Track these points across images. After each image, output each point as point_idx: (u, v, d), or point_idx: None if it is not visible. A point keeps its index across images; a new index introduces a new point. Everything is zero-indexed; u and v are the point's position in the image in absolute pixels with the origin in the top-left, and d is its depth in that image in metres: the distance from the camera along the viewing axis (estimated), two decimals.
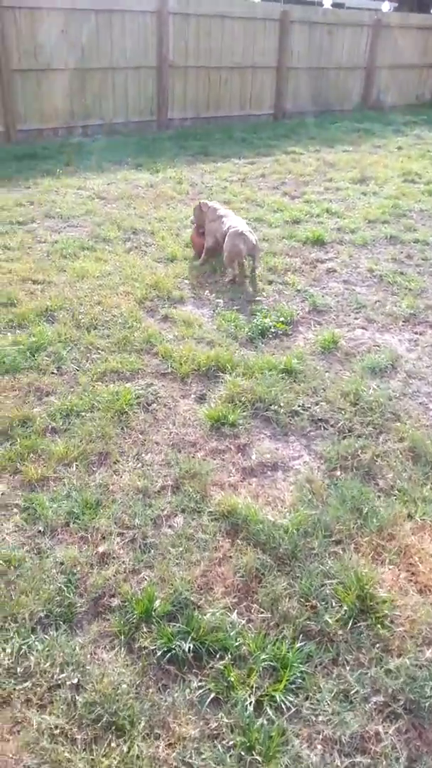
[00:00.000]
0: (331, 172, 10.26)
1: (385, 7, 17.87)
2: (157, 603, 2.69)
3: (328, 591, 2.78)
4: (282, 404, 4.11)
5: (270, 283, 6.05)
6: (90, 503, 3.25)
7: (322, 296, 5.79)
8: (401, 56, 17.00)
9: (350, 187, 9.36)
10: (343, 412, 4.06)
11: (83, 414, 4.01)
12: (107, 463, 3.61)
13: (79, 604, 2.74)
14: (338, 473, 3.55)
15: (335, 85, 16.20)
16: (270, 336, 5.03)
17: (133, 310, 5.35)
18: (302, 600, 2.75)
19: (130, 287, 5.81)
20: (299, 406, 4.12)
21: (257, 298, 5.72)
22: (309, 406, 4.14)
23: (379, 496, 3.37)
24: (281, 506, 3.30)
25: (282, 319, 5.21)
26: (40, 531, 3.12)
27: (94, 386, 4.31)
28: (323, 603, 2.73)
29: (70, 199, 8.59)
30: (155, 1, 12.75)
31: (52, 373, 4.48)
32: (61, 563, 2.91)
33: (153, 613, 2.66)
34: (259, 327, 5.05)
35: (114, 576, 2.86)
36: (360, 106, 16.72)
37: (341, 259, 6.66)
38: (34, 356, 4.63)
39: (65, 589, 2.78)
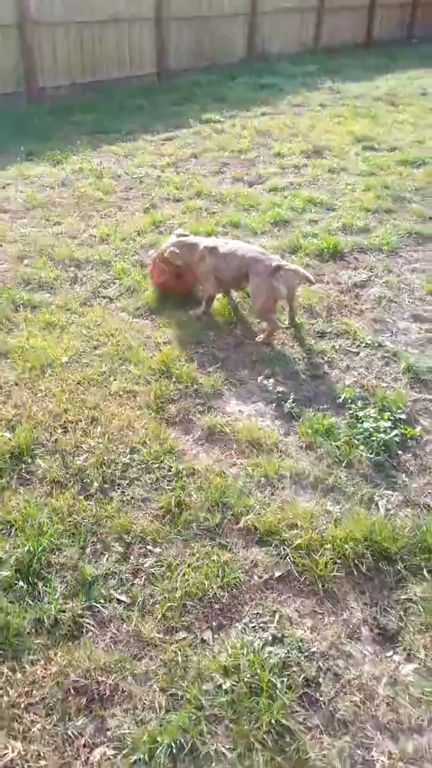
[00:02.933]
0: (273, 144, 8.15)
1: None
2: None
3: None
4: None
5: (321, 336, 3.99)
6: None
7: (406, 349, 3.84)
8: (282, 0, 14.82)
9: (309, 164, 7.34)
10: None
11: None
12: None
13: None
14: None
15: (219, 36, 13.80)
16: (398, 450, 3.03)
17: (156, 429, 3.13)
18: None
19: (126, 378, 3.55)
20: None
21: (324, 369, 3.66)
22: None
23: None
24: None
25: (399, 412, 3.21)
26: None
27: (182, 652, 2.14)
28: None
29: None
30: None
31: (74, 636, 2.23)
32: None
33: None
34: (377, 437, 3.03)
35: None
36: (246, 59, 14.46)
37: (382, 278, 4.71)
38: (32, 586, 2.35)
39: None
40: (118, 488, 2.83)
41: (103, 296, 4.54)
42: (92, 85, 11.61)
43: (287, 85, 11.79)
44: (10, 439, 3.08)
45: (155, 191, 6.52)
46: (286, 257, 4.99)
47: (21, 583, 2.38)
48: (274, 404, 3.38)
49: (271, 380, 3.49)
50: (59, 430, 3.16)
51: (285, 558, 2.50)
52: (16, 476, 2.90)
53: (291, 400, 3.35)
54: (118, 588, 2.40)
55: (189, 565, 2.46)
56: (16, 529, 2.60)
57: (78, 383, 3.51)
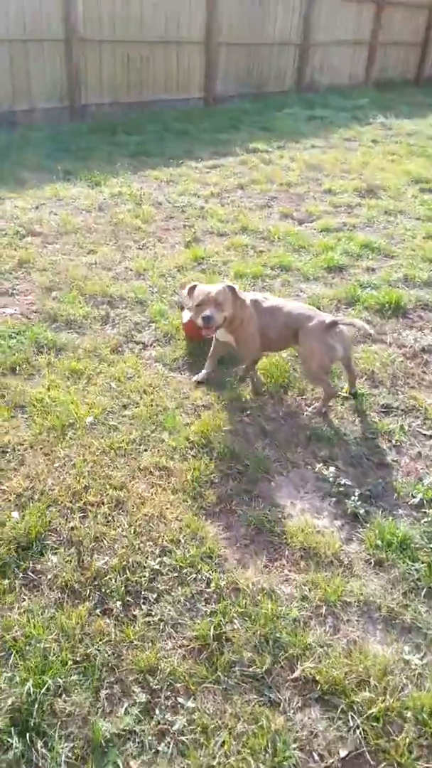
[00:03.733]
0: (323, 180, 7.67)
1: None
2: None
3: None
4: None
5: (386, 411, 3.43)
6: None
7: None
8: (334, 32, 14.49)
9: (364, 204, 6.82)
10: None
11: None
12: None
13: None
14: None
15: (268, 64, 13.49)
16: None
17: (192, 523, 2.60)
18: None
19: (159, 451, 3.02)
20: None
21: (392, 456, 3.09)
22: None
23: None
24: None
25: None
26: None
27: None
28: None
29: None
30: None
31: None
32: None
33: None
34: None
35: None
36: (294, 88, 14.12)
37: None
38: (29, 746, 1.80)
39: None
40: (144, 604, 2.27)
41: (137, 341, 4.04)
42: (136, 105, 11.31)
43: (337, 119, 11.37)
44: (17, 523, 2.55)
45: (198, 223, 6.05)
46: (342, 310, 4.47)
47: (15, 741, 1.82)
48: (333, 499, 2.81)
49: (332, 469, 2.91)
50: (77, 514, 2.63)
51: (354, 731, 1.91)
52: (21, 575, 2.36)
53: (355, 496, 2.78)
54: (138, 756, 1.84)
55: (230, 731, 1.89)
56: (15, 654, 2.06)
57: (103, 452, 2.99)
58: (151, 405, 3.34)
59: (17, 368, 3.64)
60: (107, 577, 2.35)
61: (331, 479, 2.87)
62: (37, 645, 2.08)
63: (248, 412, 3.36)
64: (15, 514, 2.63)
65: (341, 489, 2.83)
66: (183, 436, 3.10)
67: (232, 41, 12.51)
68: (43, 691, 1.95)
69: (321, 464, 2.97)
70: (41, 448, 3.00)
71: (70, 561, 2.42)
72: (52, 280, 4.74)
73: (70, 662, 2.06)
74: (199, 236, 5.76)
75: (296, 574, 2.43)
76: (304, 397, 3.52)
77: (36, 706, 1.91)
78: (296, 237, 5.71)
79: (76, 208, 6.36)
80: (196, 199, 6.76)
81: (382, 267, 5.22)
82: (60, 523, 2.59)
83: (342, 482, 2.85)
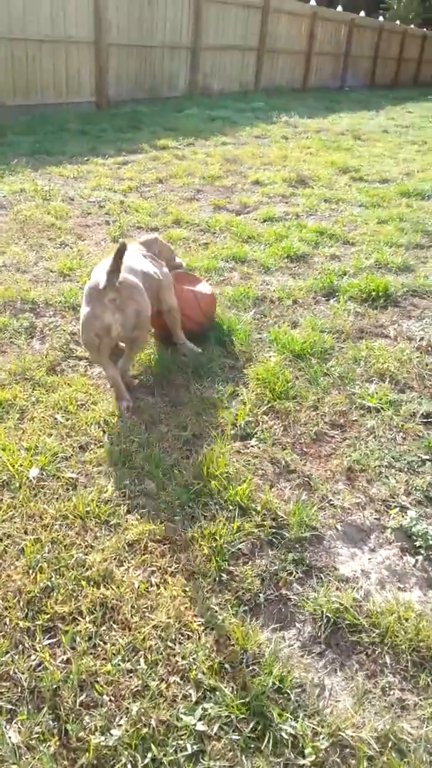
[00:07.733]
0: (247, 172, 6.84)
1: None
2: None
3: None
4: None
5: (430, 421, 2.54)
6: None
7: None
8: (223, 36, 13.89)
9: (299, 193, 6.05)
10: None
11: None
12: None
13: None
14: None
15: (161, 67, 12.61)
16: None
17: (236, 632, 1.54)
18: None
19: (150, 510, 1.95)
20: None
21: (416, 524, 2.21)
22: None
23: None
24: None
25: None
26: None
27: None
28: None
29: None
30: None
31: None
32: None
33: None
34: None
35: None
36: (188, 93, 13.32)
37: None
38: None
39: None
40: None
41: (78, 357, 2.93)
42: (24, 109, 10.03)
43: (240, 119, 10.67)
44: None
45: (122, 218, 4.98)
46: (322, 303, 3.59)
47: None
48: (419, 558, 1.87)
49: (410, 514, 1.97)
50: (42, 639, 1.51)
51: None
52: None
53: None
54: None
55: None
56: None
57: (64, 522, 1.88)
58: (120, 442, 2.26)
59: None
60: (116, 760, 1.27)
61: (408, 525, 1.92)
62: None
63: (257, 437, 2.36)
64: None
65: (424, 540, 1.89)
66: (180, 484, 2.05)
67: (122, 42, 11.51)
68: None
69: (383, 506, 2.03)
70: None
71: (47, 737, 1.31)
72: None
73: None
74: (126, 231, 4.71)
75: (416, 698, 1.45)
76: (318, 411, 2.57)
77: None
78: (240, 227, 4.80)
79: None
80: (113, 194, 5.70)
81: (346, 254, 4.41)
82: (15, 662, 1.47)
83: (420, 530, 1.92)
